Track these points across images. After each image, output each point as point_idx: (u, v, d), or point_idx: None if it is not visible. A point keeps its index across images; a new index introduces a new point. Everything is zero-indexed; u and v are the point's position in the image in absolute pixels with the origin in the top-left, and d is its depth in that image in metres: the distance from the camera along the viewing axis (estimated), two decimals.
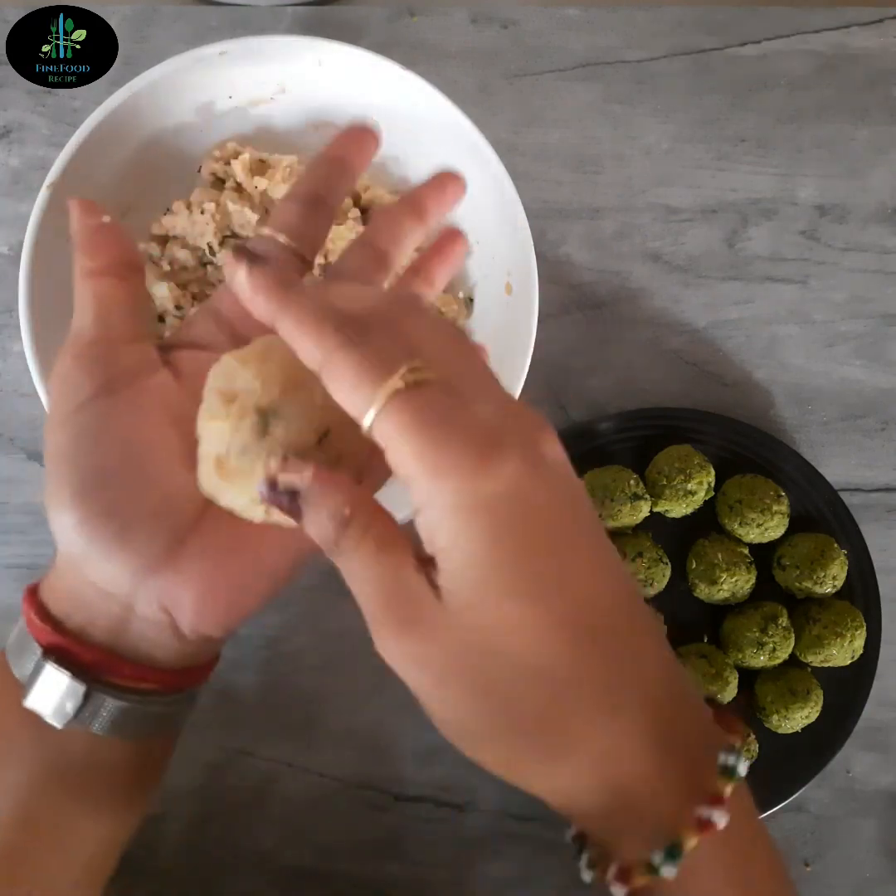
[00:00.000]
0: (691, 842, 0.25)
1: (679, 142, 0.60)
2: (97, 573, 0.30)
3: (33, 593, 0.33)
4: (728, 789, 0.25)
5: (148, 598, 0.31)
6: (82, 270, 0.33)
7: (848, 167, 0.60)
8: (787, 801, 0.55)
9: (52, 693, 0.31)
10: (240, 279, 0.26)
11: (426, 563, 0.26)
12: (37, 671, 0.31)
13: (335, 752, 0.57)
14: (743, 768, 0.26)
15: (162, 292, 0.51)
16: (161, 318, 0.53)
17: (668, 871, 0.25)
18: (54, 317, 0.48)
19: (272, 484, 0.27)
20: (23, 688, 0.31)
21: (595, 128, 0.60)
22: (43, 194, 0.46)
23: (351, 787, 0.57)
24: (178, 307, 0.52)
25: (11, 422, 0.57)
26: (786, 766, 0.56)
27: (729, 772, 0.26)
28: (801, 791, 0.56)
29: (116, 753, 0.34)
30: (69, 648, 0.31)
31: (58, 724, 0.31)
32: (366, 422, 0.25)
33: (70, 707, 0.31)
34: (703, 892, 0.26)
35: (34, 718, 0.31)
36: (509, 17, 0.60)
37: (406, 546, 0.26)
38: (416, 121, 0.50)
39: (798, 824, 0.58)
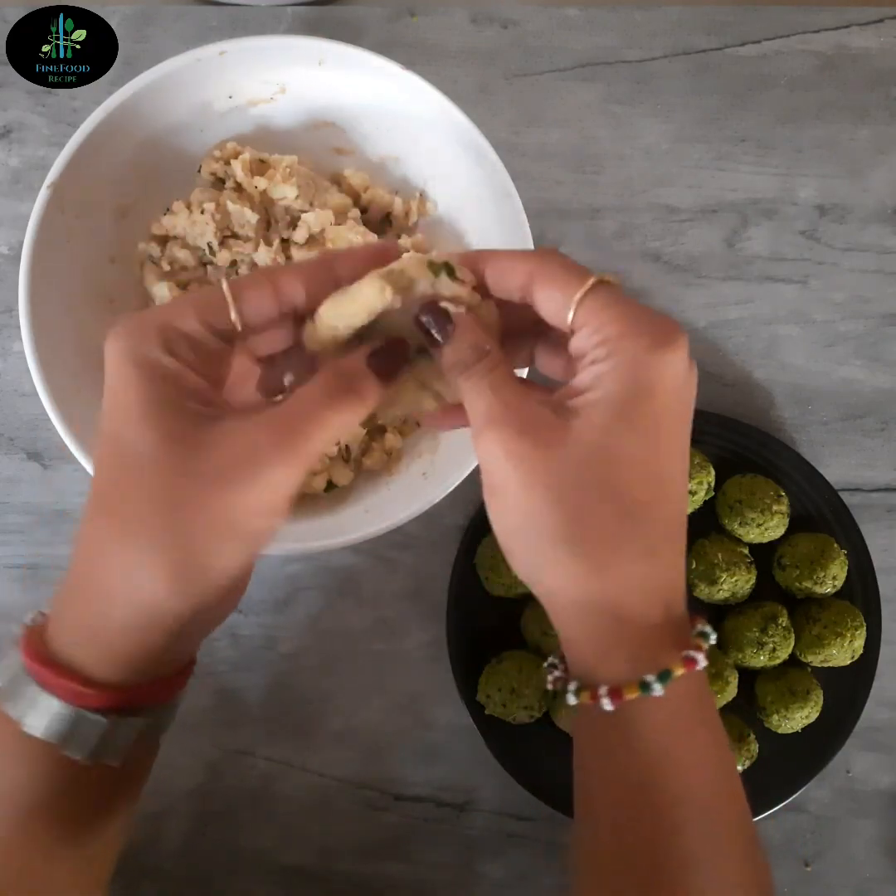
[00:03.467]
0: (679, 671, 0.31)
1: (679, 142, 0.60)
2: (161, 612, 0.31)
3: (38, 648, 0.33)
4: (705, 645, 0.32)
5: (187, 622, 0.32)
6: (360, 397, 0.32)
7: (848, 167, 0.60)
8: (787, 801, 0.55)
9: (87, 736, 0.32)
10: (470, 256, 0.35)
11: (558, 399, 0.32)
12: (60, 721, 0.32)
13: (335, 752, 0.57)
14: (713, 638, 0.33)
15: (162, 292, 0.51)
16: None
17: (658, 690, 0.31)
18: (54, 317, 0.48)
19: (430, 307, 0.33)
20: (53, 742, 0.32)
21: (595, 128, 0.60)
22: (43, 194, 0.46)
23: (351, 787, 0.57)
24: None
25: (11, 422, 0.57)
26: (786, 766, 0.56)
27: (704, 636, 0.33)
28: (801, 791, 0.56)
29: (109, 768, 0.34)
30: (128, 700, 0.32)
31: (86, 758, 0.32)
32: (571, 307, 0.31)
33: (94, 741, 0.32)
34: (672, 716, 0.32)
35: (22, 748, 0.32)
36: (509, 17, 0.60)
37: (528, 384, 0.33)
38: (417, 121, 0.50)
39: (798, 824, 0.58)
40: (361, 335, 0.34)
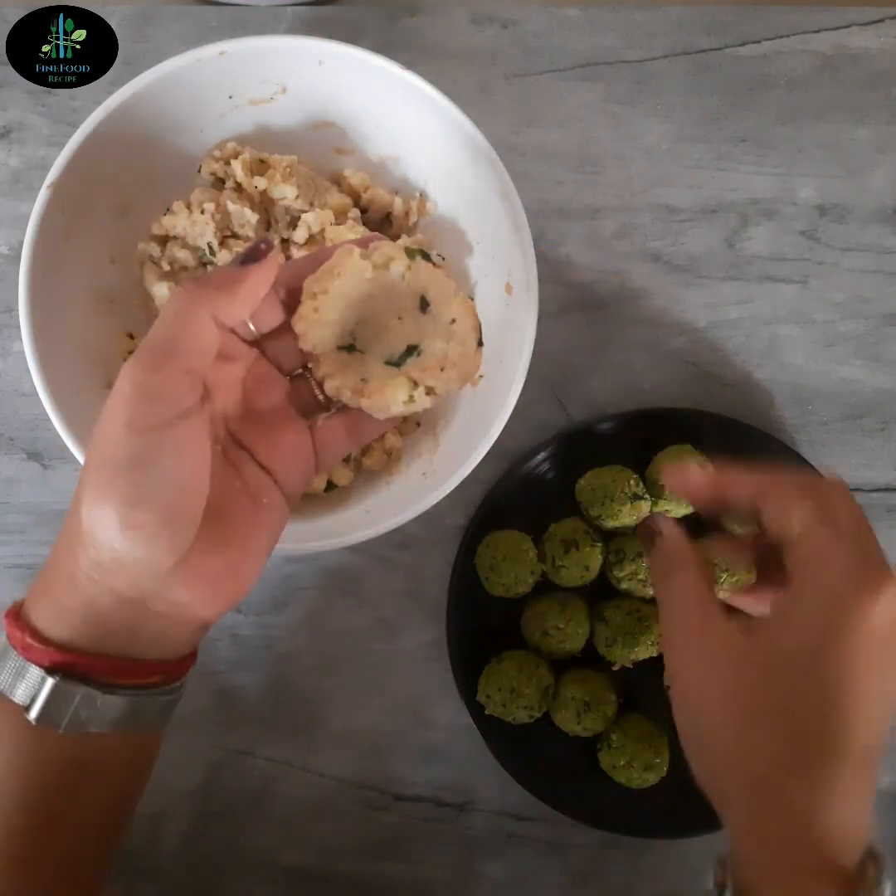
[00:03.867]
0: None
1: (679, 142, 0.60)
2: (125, 574, 0.32)
3: (17, 617, 0.34)
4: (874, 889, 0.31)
5: (164, 595, 0.33)
6: (205, 304, 0.32)
7: (848, 167, 0.60)
8: None
9: (62, 706, 0.32)
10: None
11: (746, 620, 0.35)
12: (39, 688, 0.32)
13: (335, 752, 0.57)
14: (888, 891, 0.32)
15: (162, 292, 0.51)
16: None
17: None
18: (54, 317, 0.48)
19: (646, 520, 0.39)
20: (25, 708, 0.32)
21: (595, 128, 0.60)
22: (43, 194, 0.46)
23: (351, 787, 0.57)
24: None
25: (11, 422, 0.57)
26: None
27: (875, 887, 0.32)
28: None
29: (117, 750, 0.35)
30: (78, 663, 0.33)
31: (71, 731, 0.33)
32: (795, 525, 0.34)
33: (85, 715, 0.33)
34: None
35: (25, 729, 0.33)
36: (509, 17, 0.60)
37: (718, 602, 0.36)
38: (416, 121, 0.50)
39: None
40: (354, 334, 0.36)
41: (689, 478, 0.39)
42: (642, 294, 0.60)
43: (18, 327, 0.46)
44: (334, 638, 0.58)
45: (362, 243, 0.37)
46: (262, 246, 0.34)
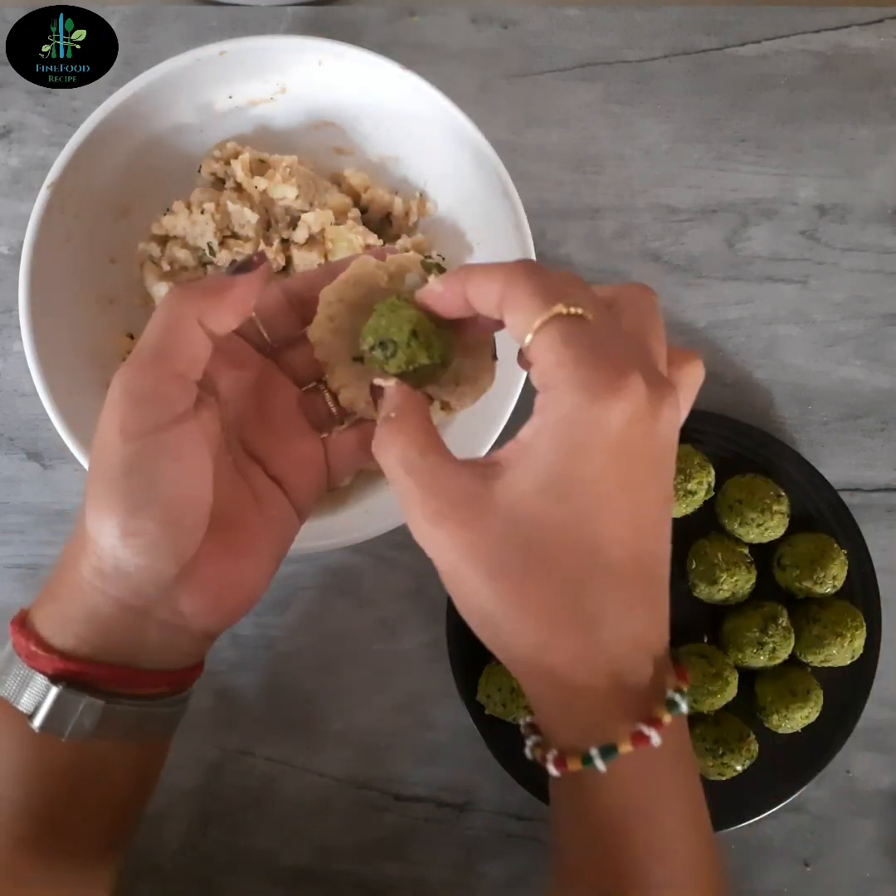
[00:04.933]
0: (625, 747, 0.30)
1: (679, 142, 0.60)
2: (128, 583, 0.32)
3: (23, 625, 0.34)
4: (667, 718, 0.30)
5: (169, 604, 0.32)
6: (192, 307, 0.32)
7: (848, 167, 0.60)
8: (787, 801, 0.55)
9: (66, 715, 0.32)
10: (433, 285, 0.33)
11: (484, 465, 0.30)
12: (43, 697, 0.32)
13: (335, 752, 0.57)
14: (684, 707, 0.31)
15: (162, 292, 0.51)
16: None
17: (600, 765, 0.30)
18: (54, 317, 0.48)
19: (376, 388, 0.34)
20: (29, 716, 0.32)
21: (595, 128, 0.60)
22: (43, 194, 0.46)
23: (351, 787, 0.57)
24: None
25: (11, 422, 0.57)
26: (786, 766, 0.56)
27: (671, 705, 0.30)
28: (801, 791, 0.56)
29: (121, 761, 0.35)
30: (83, 671, 0.33)
31: (74, 740, 0.33)
32: (528, 336, 0.29)
33: (88, 724, 0.33)
34: (622, 794, 0.31)
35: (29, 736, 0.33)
36: (509, 17, 0.60)
37: (444, 448, 0.31)
38: (416, 121, 0.50)
39: (798, 824, 0.58)
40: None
41: (434, 297, 0.33)
42: None
43: (18, 327, 0.46)
44: (334, 638, 0.58)
45: (379, 254, 0.36)
46: (255, 258, 0.34)
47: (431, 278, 0.34)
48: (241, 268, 0.34)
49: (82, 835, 0.35)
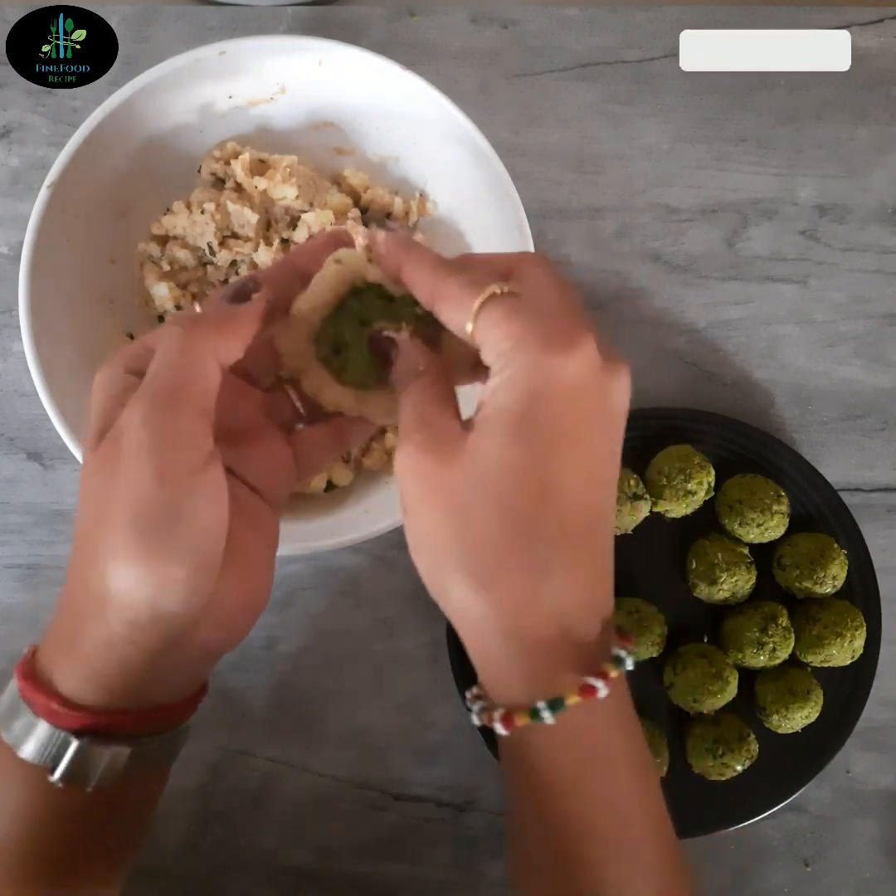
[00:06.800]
0: (572, 699, 0.30)
1: (679, 142, 0.60)
2: (162, 631, 0.31)
3: (34, 678, 0.33)
4: (614, 672, 0.30)
5: (194, 639, 0.32)
6: (207, 344, 0.32)
7: (848, 167, 0.60)
8: (787, 801, 0.55)
9: (92, 766, 0.32)
10: (379, 238, 0.34)
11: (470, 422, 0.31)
12: (63, 750, 0.31)
13: (335, 752, 0.57)
14: (629, 663, 0.31)
15: (162, 292, 0.51)
16: (160, 319, 0.53)
17: (548, 717, 0.30)
18: (54, 317, 0.48)
19: (375, 335, 0.35)
20: (47, 769, 0.32)
21: (595, 128, 0.60)
22: (43, 194, 0.46)
23: (351, 787, 0.57)
24: (178, 307, 0.52)
25: (11, 422, 0.57)
26: (786, 766, 0.56)
27: (617, 661, 0.31)
28: (801, 791, 0.56)
29: (131, 791, 0.35)
30: (112, 723, 0.32)
31: (60, 780, 0.32)
32: (468, 326, 0.30)
33: (113, 771, 0.32)
34: (575, 746, 0.31)
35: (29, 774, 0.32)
36: (509, 17, 0.60)
37: (452, 401, 0.32)
38: (416, 121, 0.50)
39: (798, 824, 0.58)
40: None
41: (376, 251, 0.34)
42: (642, 294, 0.60)
43: (18, 327, 0.46)
44: (334, 638, 0.58)
45: (337, 241, 0.36)
46: (250, 284, 0.34)
47: (381, 234, 0.35)
48: (239, 295, 0.33)
49: (87, 870, 0.35)
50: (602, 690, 0.30)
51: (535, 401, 0.29)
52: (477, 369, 0.34)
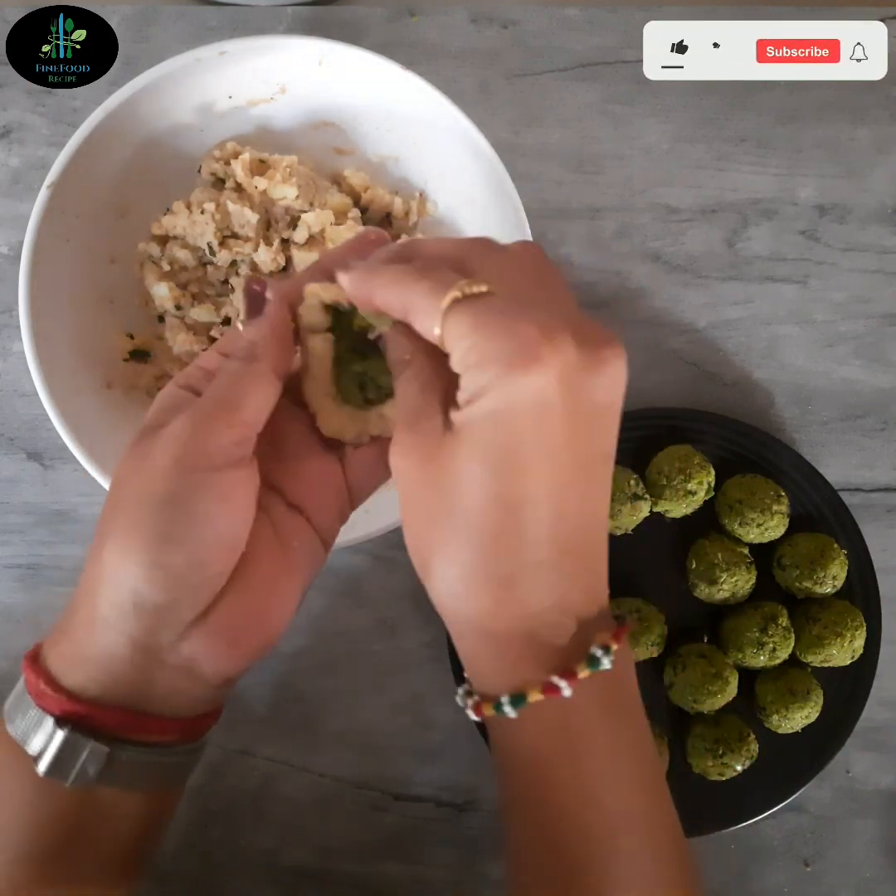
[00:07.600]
0: (535, 696, 0.31)
1: (679, 142, 0.60)
2: (143, 621, 0.31)
3: (35, 661, 0.33)
4: (584, 672, 0.31)
5: (180, 650, 0.32)
6: (258, 362, 0.33)
7: (848, 167, 0.60)
8: (787, 801, 0.55)
9: (71, 758, 0.32)
10: (343, 281, 0.33)
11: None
12: (50, 740, 0.31)
13: (335, 752, 0.57)
14: (606, 663, 0.31)
15: (162, 292, 0.51)
16: (160, 319, 0.53)
17: (509, 711, 0.31)
18: (54, 317, 0.48)
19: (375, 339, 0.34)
20: (35, 758, 0.32)
21: (595, 128, 0.60)
22: (43, 194, 0.46)
23: (351, 787, 0.57)
24: (178, 307, 0.52)
25: (11, 422, 0.57)
26: (786, 766, 0.56)
27: (592, 661, 0.31)
28: (801, 791, 0.56)
29: (129, 808, 0.34)
30: (90, 714, 0.32)
31: (77, 786, 0.32)
32: (437, 332, 0.29)
33: (92, 771, 0.32)
34: (542, 739, 0.32)
35: (36, 779, 0.32)
36: (509, 17, 0.60)
37: (438, 389, 0.31)
38: (416, 121, 0.50)
39: (798, 824, 0.58)
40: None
41: (347, 294, 0.33)
42: (642, 294, 0.60)
43: (18, 327, 0.46)
44: (334, 638, 0.58)
45: (366, 245, 0.36)
46: (256, 286, 0.34)
47: (343, 277, 0.33)
48: (252, 307, 0.34)
49: (83, 880, 0.34)
50: (565, 691, 0.30)
51: (499, 425, 0.29)
52: None
